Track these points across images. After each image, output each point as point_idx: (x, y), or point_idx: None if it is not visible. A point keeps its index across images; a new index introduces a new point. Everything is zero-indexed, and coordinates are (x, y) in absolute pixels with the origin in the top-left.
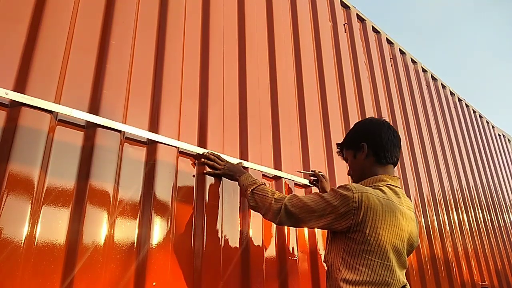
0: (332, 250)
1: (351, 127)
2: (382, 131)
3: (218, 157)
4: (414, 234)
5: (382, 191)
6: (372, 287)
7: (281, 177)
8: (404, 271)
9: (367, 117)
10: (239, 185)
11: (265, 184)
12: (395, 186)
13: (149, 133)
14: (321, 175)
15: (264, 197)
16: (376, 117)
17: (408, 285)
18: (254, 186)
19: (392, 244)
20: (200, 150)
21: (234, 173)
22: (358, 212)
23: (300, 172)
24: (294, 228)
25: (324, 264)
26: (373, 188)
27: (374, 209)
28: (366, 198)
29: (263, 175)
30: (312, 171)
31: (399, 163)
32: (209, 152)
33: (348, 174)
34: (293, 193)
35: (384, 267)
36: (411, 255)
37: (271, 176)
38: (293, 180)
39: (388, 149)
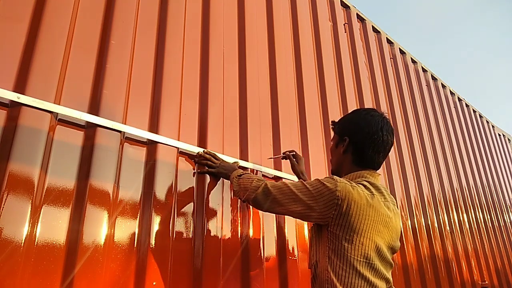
0: (319, 250)
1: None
2: (372, 133)
3: (214, 156)
4: (399, 231)
5: (365, 186)
6: (360, 287)
7: (281, 177)
8: (390, 271)
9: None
10: (230, 181)
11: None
12: (375, 182)
13: (149, 134)
14: (292, 155)
15: (247, 179)
16: (380, 112)
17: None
18: (242, 173)
19: (376, 240)
20: (201, 150)
21: (228, 171)
22: (342, 203)
23: (271, 158)
24: (295, 228)
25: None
26: (356, 183)
27: (358, 202)
28: (350, 190)
29: (263, 175)
30: (283, 153)
31: (399, 162)
32: (205, 151)
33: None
34: None
35: (369, 266)
36: (411, 254)
37: (271, 177)
38: (293, 180)
39: (370, 154)
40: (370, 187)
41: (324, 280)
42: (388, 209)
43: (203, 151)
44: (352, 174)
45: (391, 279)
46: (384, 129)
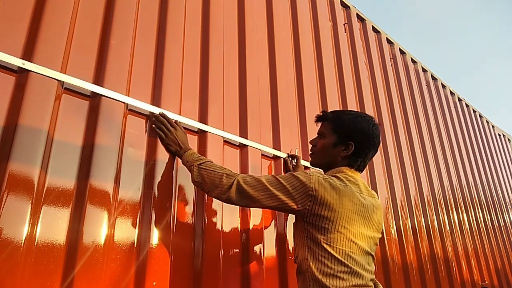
0: (298, 242)
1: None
2: (375, 146)
3: (169, 121)
4: (376, 222)
5: (339, 178)
6: (341, 275)
7: (280, 157)
8: (372, 261)
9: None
10: (182, 162)
11: (212, 161)
12: (353, 175)
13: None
14: (292, 158)
15: (213, 172)
16: (376, 119)
17: (378, 283)
18: (201, 161)
19: (350, 229)
20: (157, 111)
21: (180, 147)
22: (316, 194)
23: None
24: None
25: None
26: (330, 176)
27: (330, 193)
28: (322, 182)
29: (262, 154)
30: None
31: (399, 162)
32: (161, 113)
33: (311, 150)
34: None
35: (345, 253)
36: (410, 254)
37: (271, 155)
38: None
39: (364, 161)
40: (344, 179)
41: (304, 269)
42: (363, 200)
43: (159, 113)
44: (333, 170)
45: (372, 269)
46: (378, 140)
